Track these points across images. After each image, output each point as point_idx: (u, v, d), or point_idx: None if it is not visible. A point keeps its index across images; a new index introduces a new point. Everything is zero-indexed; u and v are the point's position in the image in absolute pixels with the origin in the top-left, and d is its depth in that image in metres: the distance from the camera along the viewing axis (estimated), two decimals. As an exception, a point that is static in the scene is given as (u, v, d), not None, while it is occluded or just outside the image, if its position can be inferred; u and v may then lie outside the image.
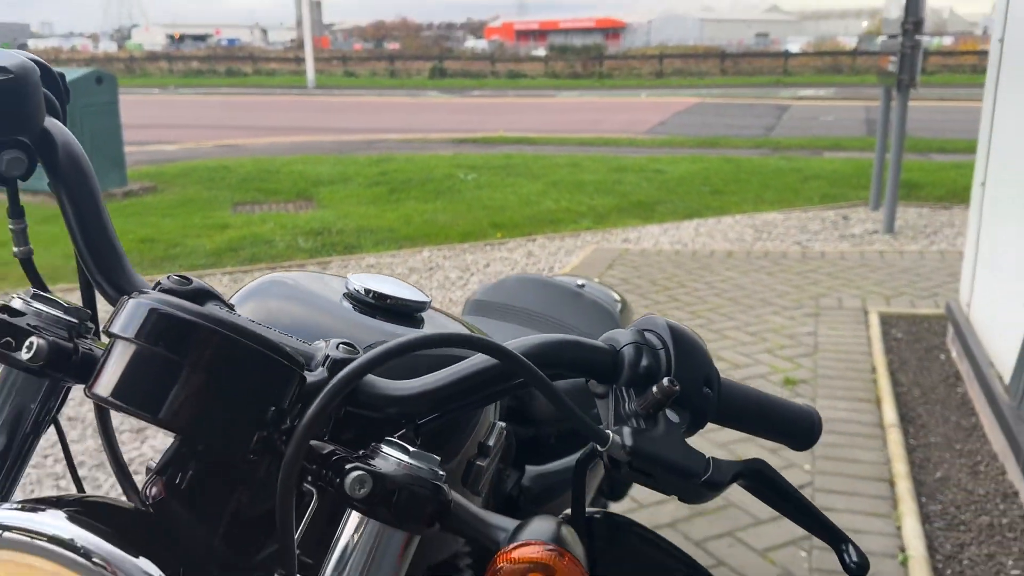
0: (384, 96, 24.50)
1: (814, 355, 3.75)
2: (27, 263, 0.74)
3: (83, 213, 0.74)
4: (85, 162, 0.74)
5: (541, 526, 0.59)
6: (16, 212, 0.71)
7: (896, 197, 6.39)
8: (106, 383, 0.57)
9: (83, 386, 0.63)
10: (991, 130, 3.61)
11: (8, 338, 0.64)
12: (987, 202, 3.62)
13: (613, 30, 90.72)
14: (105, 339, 0.62)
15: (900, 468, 2.70)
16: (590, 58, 32.93)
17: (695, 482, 0.62)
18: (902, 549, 2.29)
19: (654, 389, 0.61)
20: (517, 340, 0.64)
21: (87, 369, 0.65)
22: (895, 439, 2.90)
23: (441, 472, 0.60)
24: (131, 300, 0.59)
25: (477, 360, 0.65)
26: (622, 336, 0.66)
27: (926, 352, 3.81)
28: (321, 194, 8.37)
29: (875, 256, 5.58)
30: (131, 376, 0.57)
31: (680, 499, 0.65)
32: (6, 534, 0.52)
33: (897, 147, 6.29)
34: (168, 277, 0.65)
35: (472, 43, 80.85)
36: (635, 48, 62.74)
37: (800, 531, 2.35)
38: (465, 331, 0.77)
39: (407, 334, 0.64)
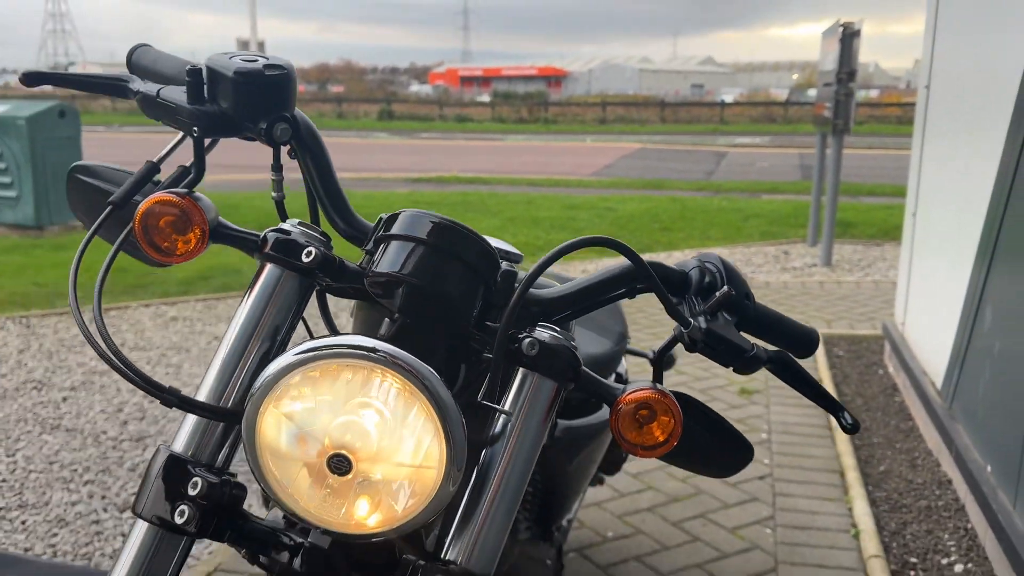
0: (333, 136, 24.71)
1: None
2: (280, 204, 0.99)
3: (323, 174, 1.00)
4: (320, 136, 1.01)
5: (645, 383, 0.86)
6: (278, 167, 0.96)
7: (832, 233, 6.86)
8: (389, 263, 0.84)
9: (329, 285, 0.89)
10: (920, 164, 4.04)
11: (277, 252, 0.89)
12: (918, 230, 4.03)
13: (555, 78, 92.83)
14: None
15: (848, 462, 3.01)
16: (535, 104, 33.77)
17: (746, 356, 0.89)
18: (854, 526, 2.60)
19: (717, 294, 0.89)
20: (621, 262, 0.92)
21: (340, 273, 0.89)
22: (843, 439, 3.22)
23: (576, 346, 0.86)
24: (404, 212, 0.88)
25: (594, 275, 0.92)
26: (688, 264, 0.94)
27: (866, 368, 4.18)
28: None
29: (815, 286, 6.00)
30: (408, 257, 0.84)
31: (734, 370, 0.92)
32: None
33: (833, 187, 6.78)
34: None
35: (416, 88, 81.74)
36: (576, 96, 64.25)
37: (765, 512, 2.65)
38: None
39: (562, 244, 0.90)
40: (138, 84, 0.95)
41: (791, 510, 2.70)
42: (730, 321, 0.91)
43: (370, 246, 0.91)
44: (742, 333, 0.93)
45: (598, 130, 27.97)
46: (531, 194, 11.22)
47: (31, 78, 0.94)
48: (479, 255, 0.87)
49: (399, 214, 0.90)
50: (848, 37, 6.41)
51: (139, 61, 1.02)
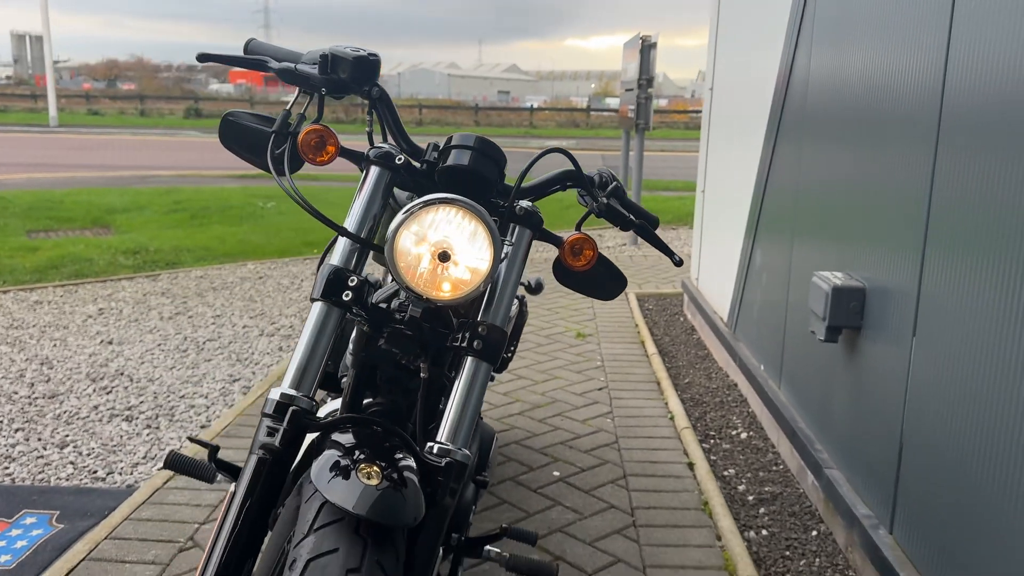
0: (140, 135, 23.73)
1: (595, 320, 4.96)
2: (370, 136, 1.58)
3: (394, 118, 1.59)
4: (389, 97, 1.60)
5: (577, 232, 1.57)
6: (371, 112, 1.56)
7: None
8: (454, 159, 1.47)
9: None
10: (706, 154, 5.06)
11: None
12: (706, 208, 5.05)
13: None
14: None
15: (662, 375, 3.91)
16: (351, 104, 33.86)
17: (626, 219, 1.62)
18: (670, 414, 3.46)
19: (610, 186, 1.61)
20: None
21: (413, 171, 1.51)
22: (657, 362, 4.12)
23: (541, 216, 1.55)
24: (459, 134, 1.51)
25: (545, 176, 1.61)
26: (594, 172, 1.66)
27: (671, 316, 5.17)
28: (118, 221, 8.55)
29: (627, 259, 7.04)
30: (465, 155, 1.48)
31: (621, 228, 1.64)
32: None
33: (637, 177, 7.87)
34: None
35: (217, 86, 78.39)
36: (386, 98, 64.33)
37: (605, 409, 3.44)
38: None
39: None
40: (273, 63, 1.55)
41: (623, 407, 3.53)
42: (616, 203, 1.64)
43: (432, 156, 1.54)
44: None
45: (416, 132, 28.60)
46: (362, 189, 11.70)
47: (202, 58, 1.51)
48: (498, 156, 1.54)
49: (454, 136, 1.54)
50: (646, 49, 7.50)
51: (255, 48, 1.61)
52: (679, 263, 1.73)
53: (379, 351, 1.53)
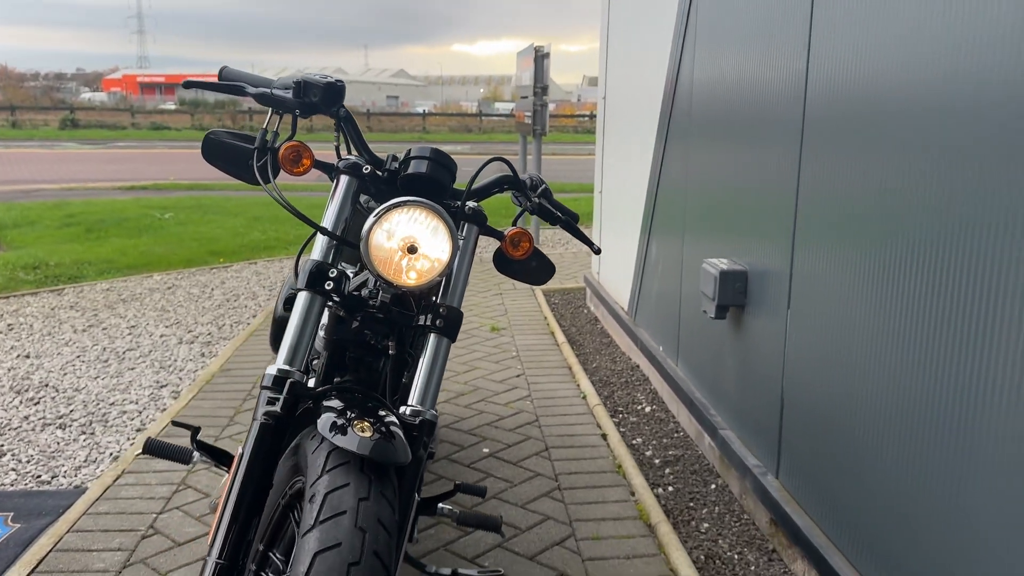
0: (15, 148, 22.64)
1: (507, 315, 5.29)
2: (337, 150, 1.83)
3: (356, 134, 1.84)
4: (352, 116, 1.85)
5: (515, 227, 1.86)
6: (339, 128, 1.80)
7: (538, 220, 8.35)
8: (414, 168, 1.73)
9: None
10: (603, 158, 5.46)
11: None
12: (604, 207, 5.46)
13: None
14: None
15: (573, 361, 4.26)
16: (238, 112, 33.20)
17: (555, 215, 1.93)
18: (582, 393, 3.81)
19: (540, 188, 1.92)
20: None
21: (379, 179, 1.77)
22: (567, 350, 4.47)
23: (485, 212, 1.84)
24: (418, 145, 1.77)
25: (486, 179, 1.90)
26: (527, 176, 1.96)
27: (575, 309, 5.54)
28: (9, 236, 8.32)
29: (530, 259, 7.40)
30: (424, 165, 1.74)
31: (550, 223, 1.95)
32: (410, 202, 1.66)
33: (536, 180, 8.25)
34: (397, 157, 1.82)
35: (89, 95, 74.95)
36: (272, 105, 62.99)
37: (524, 393, 3.75)
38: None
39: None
40: (250, 88, 1.78)
41: (540, 390, 3.86)
42: (546, 202, 1.95)
43: (393, 166, 1.80)
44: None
45: (305, 138, 28.27)
46: (264, 196, 11.67)
47: (188, 85, 1.73)
48: (450, 165, 1.80)
49: (413, 148, 1.80)
50: (540, 58, 7.89)
51: (228, 75, 1.84)
52: (598, 251, 2.06)
53: (350, 334, 1.79)
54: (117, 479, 2.97)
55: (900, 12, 1.92)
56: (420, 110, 47.19)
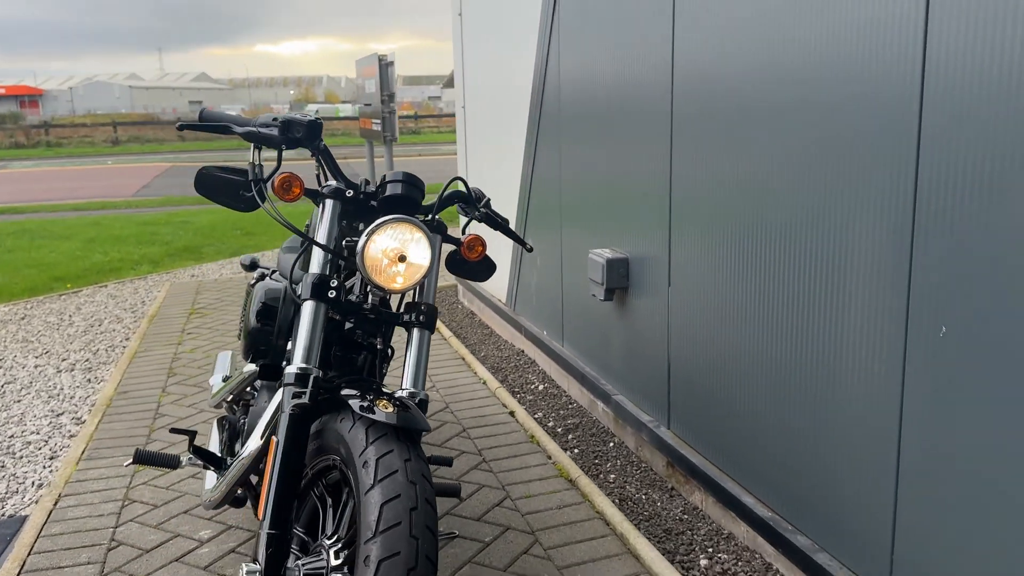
0: None
1: (387, 316, 5.59)
2: (318, 177, 2.10)
3: (332, 164, 2.10)
4: (330, 152, 2.11)
5: (470, 234, 2.22)
6: (319, 161, 2.07)
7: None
8: (391, 190, 2.04)
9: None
10: (466, 163, 5.86)
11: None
12: (469, 206, 5.85)
13: (29, 97, 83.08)
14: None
15: (464, 352, 4.64)
16: (32, 127, 30.79)
17: (497, 221, 2.30)
18: (482, 380, 4.20)
19: (484, 199, 2.29)
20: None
21: (359, 200, 2.06)
22: (456, 343, 4.84)
23: (445, 225, 2.18)
24: (393, 171, 2.07)
25: (440, 195, 2.24)
26: (473, 190, 2.31)
27: (450, 305, 5.92)
28: None
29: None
30: (401, 186, 2.05)
31: (493, 227, 2.31)
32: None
33: (388, 185, 8.52)
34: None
35: None
36: (61, 116, 58.74)
37: (430, 384, 4.09)
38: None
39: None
40: (237, 128, 2.02)
41: (443, 381, 4.22)
42: (488, 211, 2.32)
43: (369, 190, 2.10)
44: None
45: (114, 151, 26.79)
46: (89, 217, 11.16)
47: (182, 127, 1.96)
48: (420, 185, 2.11)
49: (387, 174, 2.09)
50: (385, 67, 8.17)
51: (207, 115, 2.07)
52: (530, 250, 2.45)
53: (340, 334, 2.09)
54: (57, 503, 3.04)
55: (756, 7, 2.45)
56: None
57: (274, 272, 3.16)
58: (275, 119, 2.05)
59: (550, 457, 3.28)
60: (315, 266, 2.01)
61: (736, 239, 2.60)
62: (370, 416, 1.73)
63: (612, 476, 3.19)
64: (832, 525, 2.25)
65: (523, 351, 4.73)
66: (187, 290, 6.75)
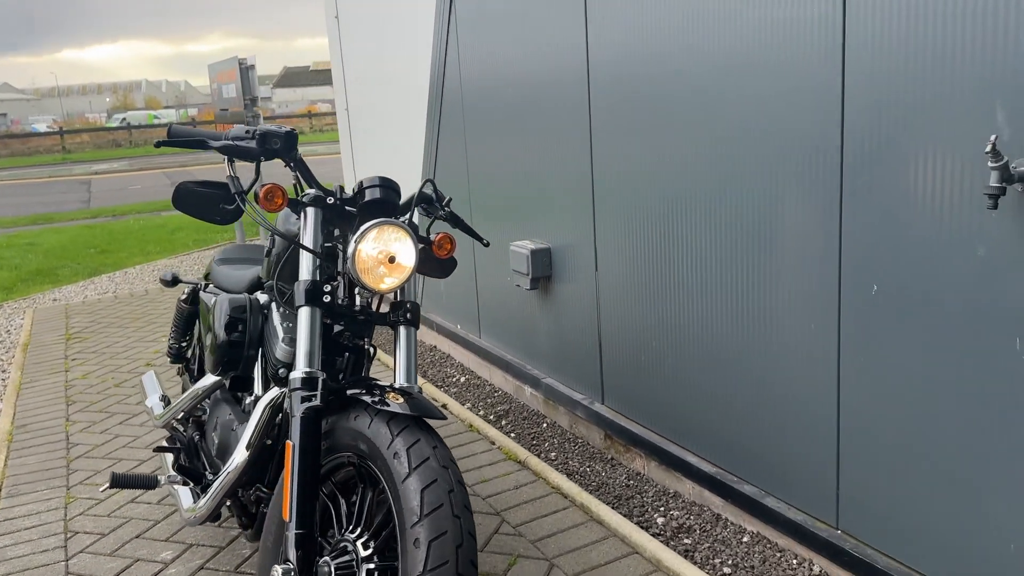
0: None
1: (286, 323, 5.52)
2: (296, 187, 2.12)
3: (307, 173, 2.11)
4: (304, 162, 2.14)
5: (439, 232, 2.32)
6: (296, 171, 2.09)
7: (244, 233, 8.44)
8: (370, 195, 2.10)
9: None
10: (352, 154, 5.86)
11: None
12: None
13: None
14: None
15: (380, 353, 4.68)
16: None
17: (459, 221, 2.41)
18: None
19: (446, 199, 2.39)
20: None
21: (342, 205, 2.11)
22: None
23: (417, 225, 2.28)
24: (371, 176, 2.12)
25: (409, 197, 2.33)
26: (433, 192, 2.41)
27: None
28: None
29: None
30: (379, 189, 2.11)
31: (453, 226, 2.43)
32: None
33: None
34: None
35: None
36: None
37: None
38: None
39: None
40: (213, 142, 2.03)
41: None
42: (450, 210, 2.42)
43: (345, 196, 2.15)
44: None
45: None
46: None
47: (159, 144, 1.95)
48: (397, 189, 2.17)
49: (365, 180, 2.13)
50: (246, 70, 7.97)
51: (177, 131, 2.06)
52: (487, 244, 2.58)
53: (326, 337, 2.15)
54: (-10, 544, 2.90)
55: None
56: (38, 127, 42.37)
57: (208, 285, 3.13)
58: (248, 131, 2.08)
59: (494, 442, 3.42)
60: (305, 272, 2.05)
61: (664, 221, 2.83)
62: (388, 409, 1.82)
63: (553, 454, 3.37)
64: (778, 473, 2.53)
65: (436, 346, 4.83)
66: (54, 315, 6.37)
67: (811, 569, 2.39)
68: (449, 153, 4.35)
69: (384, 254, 2.06)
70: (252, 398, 2.52)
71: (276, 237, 2.37)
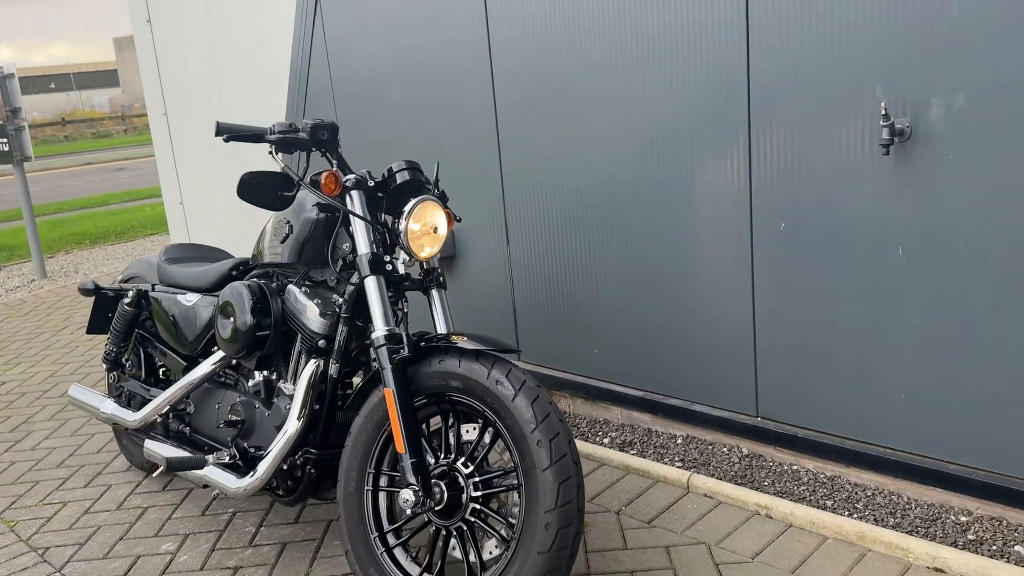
0: None
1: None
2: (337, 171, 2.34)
3: (341, 161, 2.35)
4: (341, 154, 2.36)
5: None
6: (333, 160, 2.32)
7: (40, 249, 7.79)
8: (401, 177, 2.39)
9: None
10: (175, 166, 5.75)
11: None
12: (191, 213, 5.76)
13: None
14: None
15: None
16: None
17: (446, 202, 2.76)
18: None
19: (436, 179, 2.73)
20: None
21: (376, 187, 2.38)
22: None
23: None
24: (400, 160, 2.40)
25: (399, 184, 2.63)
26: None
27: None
28: None
29: (48, 295, 7.04)
30: (407, 171, 2.41)
31: (443, 203, 2.77)
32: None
33: (28, 209, 7.67)
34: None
35: None
36: None
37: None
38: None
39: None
40: (270, 136, 2.22)
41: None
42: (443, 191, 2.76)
43: (379, 179, 2.40)
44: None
45: None
46: None
47: (220, 132, 2.12)
48: (420, 168, 2.44)
49: (394, 164, 2.39)
50: (4, 79, 7.31)
51: (228, 127, 2.23)
52: (459, 220, 2.95)
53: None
54: (-48, 576, 2.75)
55: None
56: None
57: (156, 285, 3.17)
58: (291, 125, 2.30)
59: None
60: (363, 246, 2.32)
61: (558, 199, 3.37)
62: (475, 348, 2.16)
63: (478, 410, 3.78)
64: (702, 384, 3.17)
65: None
66: None
67: (740, 451, 3.07)
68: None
69: (429, 225, 2.39)
70: (259, 377, 2.69)
71: (292, 224, 2.57)
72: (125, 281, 3.39)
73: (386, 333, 2.23)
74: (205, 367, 2.81)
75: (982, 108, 2.30)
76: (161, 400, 2.89)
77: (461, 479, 2.20)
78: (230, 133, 2.26)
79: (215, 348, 2.88)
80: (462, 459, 2.23)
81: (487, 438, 2.22)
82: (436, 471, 2.22)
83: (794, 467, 2.91)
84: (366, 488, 2.33)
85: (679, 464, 3.05)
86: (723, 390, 3.11)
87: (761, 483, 2.84)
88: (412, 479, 2.13)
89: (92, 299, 3.37)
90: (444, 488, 2.17)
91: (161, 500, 3.16)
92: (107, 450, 3.67)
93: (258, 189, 2.32)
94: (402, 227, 2.35)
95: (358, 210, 2.35)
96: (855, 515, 2.58)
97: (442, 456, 2.25)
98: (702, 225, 3.01)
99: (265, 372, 2.67)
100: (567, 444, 2.06)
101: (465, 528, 2.19)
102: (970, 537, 2.41)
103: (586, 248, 3.40)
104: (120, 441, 3.46)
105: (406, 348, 2.21)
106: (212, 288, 2.95)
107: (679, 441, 3.21)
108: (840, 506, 2.65)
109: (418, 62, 3.88)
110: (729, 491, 2.76)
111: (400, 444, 2.16)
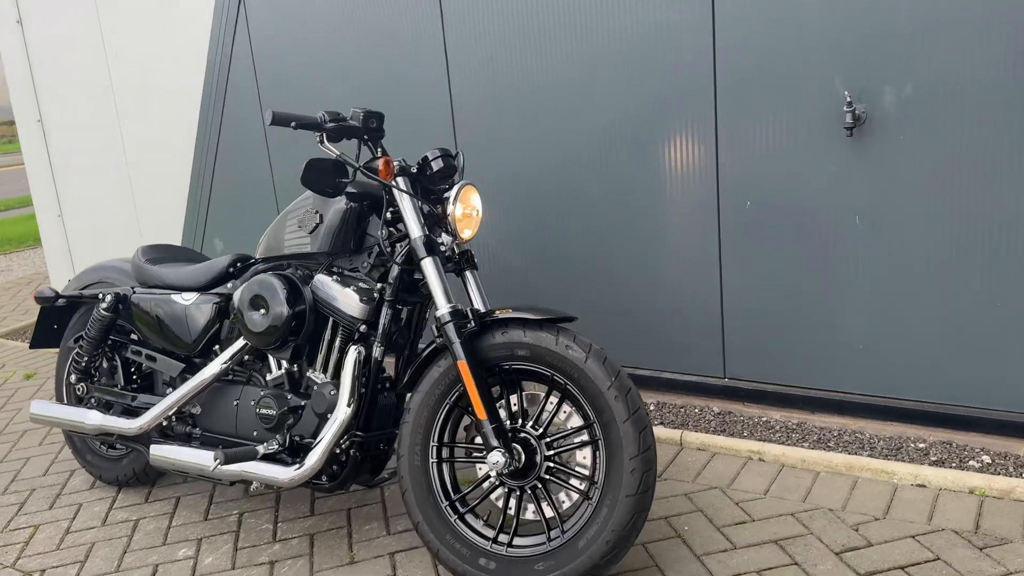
0: None
1: (36, 359, 4.90)
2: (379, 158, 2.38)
3: (381, 148, 2.41)
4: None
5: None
6: (375, 148, 2.37)
7: None
8: (438, 165, 2.49)
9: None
10: (52, 173, 5.36)
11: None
12: (68, 223, 5.39)
13: None
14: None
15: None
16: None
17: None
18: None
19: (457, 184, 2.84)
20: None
21: (416, 174, 2.46)
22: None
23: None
24: (435, 148, 2.49)
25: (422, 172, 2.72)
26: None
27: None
28: None
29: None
30: (442, 159, 2.50)
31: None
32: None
33: None
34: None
35: None
36: None
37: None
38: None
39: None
40: (326, 124, 2.26)
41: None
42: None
43: (418, 165, 2.47)
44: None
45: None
46: None
47: (297, 127, 2.15)
48: (452, 154, 2.52)
49: (429, 153, 2.45)
50: None
51: (284, 116, 2.24)
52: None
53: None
54: (-58, 610, 2.52)
55: None
56: None
57: (136, 288, 3.04)
58: (338, 114, 2.36)
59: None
60: (416, 230, 2.40)
61: (520, 180, 3.57)
62: (538, 318, 2.31)
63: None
64: (672, 353, 3.46)
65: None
66: None
67: (712, 410, 3.39)
68: (237, 164, 4.45)
69: (472, 208, 2.52)
70: (281, 369, 2.68)
71: (322, 214, 2.58)
72: (85, 288, 3.21)
73: (450, 310, 2.33)
74: (216, 365, 2.75)
75: (926, 96, 2.75)
76: (168, 403, 2.78)
77: (532, 440, 2.33)
78: (284, 121, 2.27)
79: (217, 346, 2.83)
80: (529, 422, 2.37)
81: (551, 402, 2.36)
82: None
83: (763, 418, 3.27)
84: (431, 460, 2.41)
85: (658, 425, 3.32)
86: (692, 356, 3.42)
87: (739, 435, 3.17)
88: (495, 442, 2.25)
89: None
90: (521, 448, 2.31)
91: (151, 511, 3.02)
92: (54, 472, 3.43)
93: (319, 175, 2.35)
94: (449, 210, 2.45)
95: (407, 193, 2.43)
96: (832, 452, 2.96)
97: (507, 423, 2.38)
98: (673, 205, 3.31)
99: (286, 363, 2.67)
100: (639, 397, 2.26)
101: (540, 486, 2.33)
102: (932, 459, 2.84)
103: (556, 225, 3.61)
104: (83, 457, 3.26)
105: (473, 322, 2.32)
106: (209, 286, 2.88)
107: (652, 408, 3.49)
108: (814, 446, 3.02)
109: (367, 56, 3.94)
110: (721, 442, 3.07)
111: (481, 411, 2.26)
